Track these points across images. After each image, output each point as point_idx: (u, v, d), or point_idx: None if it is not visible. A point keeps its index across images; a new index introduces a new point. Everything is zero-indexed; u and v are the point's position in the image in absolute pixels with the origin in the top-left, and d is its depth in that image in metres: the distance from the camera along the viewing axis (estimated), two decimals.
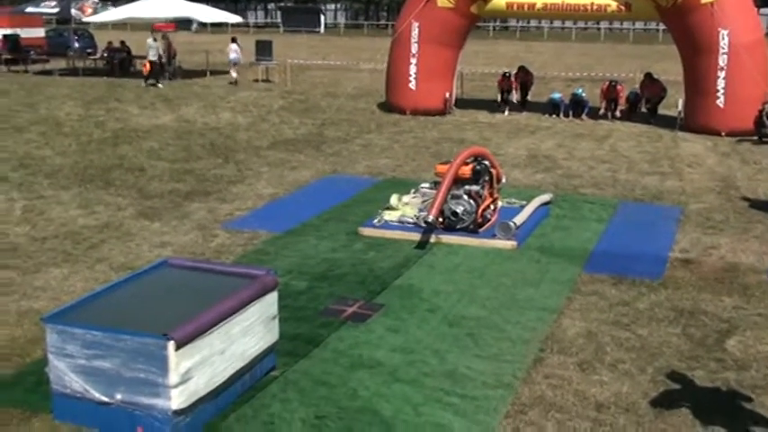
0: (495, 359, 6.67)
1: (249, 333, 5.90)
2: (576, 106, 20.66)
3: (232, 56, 27.87)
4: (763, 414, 5.89)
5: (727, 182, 13.39)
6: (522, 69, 22.27)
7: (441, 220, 9.94)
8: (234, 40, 28.62)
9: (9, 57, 31.01)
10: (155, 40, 26.71)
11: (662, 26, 32.21)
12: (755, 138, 16.87)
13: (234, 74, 27.45)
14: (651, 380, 6.36)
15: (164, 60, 27.11)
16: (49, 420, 5.55)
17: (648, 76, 20.86)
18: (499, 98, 21.40)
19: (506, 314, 7.64)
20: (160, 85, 25.70)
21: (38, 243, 9.66)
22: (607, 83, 20.75)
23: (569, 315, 7.65)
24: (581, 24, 58.82)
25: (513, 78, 21.48)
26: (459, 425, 5.64)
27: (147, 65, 26.21)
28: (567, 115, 20.48)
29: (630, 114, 20.30)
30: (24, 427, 5.51)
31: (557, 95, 21.07)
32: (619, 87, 20.44)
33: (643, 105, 20.52)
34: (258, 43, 29.31)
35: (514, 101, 21.50)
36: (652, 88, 20.39)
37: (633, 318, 7.60)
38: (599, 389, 6.20)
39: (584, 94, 20.72)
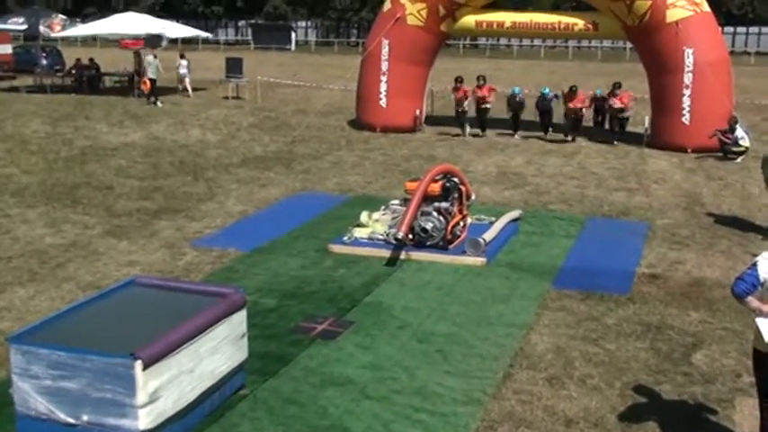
0: (465, 375, 6.69)
1: (218, 352, 5.86)
2: (544, 115, 20.03)
3: (182, 71, 28.53)
4: (729, 427, 5.96)
5: (693, 198, 13.58)
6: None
7: (410, 236, 9.97)
8: (182, 56, 28.89)
9: None
10: (155, 57, 26.27)
11: (629, 44, 32.67)
12: (720, 154, 17.13)
13: (188, 87, 28.12)
14: (619, 394, 6.41)
15: (156, 77, 26.54)
16: None
17: (617, 86, 19.78)
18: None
19: (476, 330, 7.67)
20: (159, 104, 25.39)
21: (3, 262, 9.53)
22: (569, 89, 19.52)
23: (538, 331, 7.70)
24: (549, 42, 59.41)
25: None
26: None
27: (147, 83, 25.90)
28: (545, 130, 19.96)
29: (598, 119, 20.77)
30: None
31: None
32: (580, 93, 19.45)
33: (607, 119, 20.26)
34: (228, 60, 29.26)
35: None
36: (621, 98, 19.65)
37: (601, 333, 7.66)
38: (568, 404, 6.23)
39: (550, 94, 19.90)
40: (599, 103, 20.48)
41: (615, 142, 19.04)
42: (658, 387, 6.55)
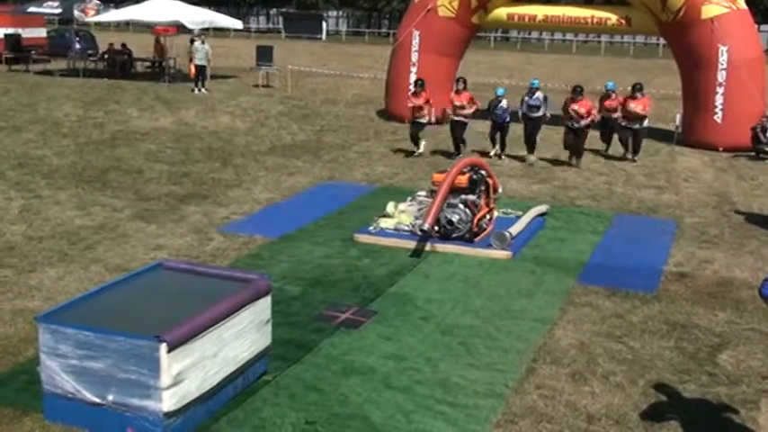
0: (488, 368, 6.68)
1: (242, 337, 5.90)
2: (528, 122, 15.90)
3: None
4: (753, 429, 5.90)
5: (723, 197, 13.43)
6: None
7: (436, 228, 9.96)
8: (194, 41, 28.27)
9: (10, 56, 31.00)
10: (202, 42, 26.07)
11: (662, 41, 32.37)
12: (752, 154, 16.91)
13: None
14: (642, 392, 6.37)
15: (207, 64, 26.05)
16: (40, 420, 5.55)
17: (638, 88, 16.18)
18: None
19: (500, 324, 7.65)
20: (205, 90, 25.46)
21: (34, 242, 9.66)
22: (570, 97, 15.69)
23: (562, 326, 7.67)
24: (582, 37, 58.99)
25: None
26: None
27: (193, 69, 25.90)
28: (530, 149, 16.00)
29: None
30: (15, 426, 5.51)
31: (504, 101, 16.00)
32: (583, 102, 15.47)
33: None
34: (259, 48, 29.36)
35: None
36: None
37: (626, 330, 7.61)
38: (590, 400, 6.21)
39: (539, 97, 15.84)
40: (607, 110, 16.26)
41: (635, 158, 16.11)
42: (682, 386, 6.50)
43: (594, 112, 15.50)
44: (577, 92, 15.34)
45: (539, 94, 15.90)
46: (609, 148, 16.92)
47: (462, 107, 15.92)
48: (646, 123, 16.25)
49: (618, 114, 16.11)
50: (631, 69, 39.79)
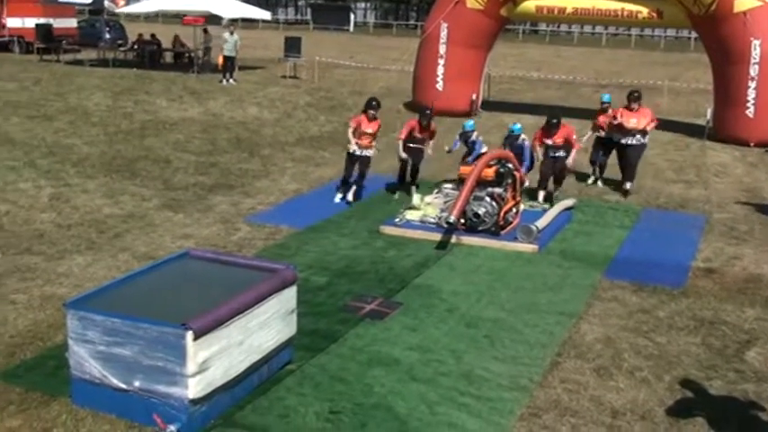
0: (512, 362, 6.67)
1: (267, 326, 5.94)
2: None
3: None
4: None
5: (754, 192, 13.25)
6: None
7: (462, 221, 9.94)
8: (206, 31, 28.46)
9: (41, 46, 31.33)
10: (231, 33, 26.07)
11: (694, 34, 31.97)
12: None
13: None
14: (668, 388, 6.32)
15: (235, 55, 26.02)
16: (68, 405, 5.63)
17: (634, 98, 12.92)
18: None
19: (525, 317, 7.62)
20: (233, 81, 25.57)
21: (63, 230, 9.77)
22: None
23: (588, 320, 7.62)
24: (612, 30, 58.38)
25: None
26: (473, 425, 5.64)
27: (222, 59, 25.99)
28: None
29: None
30: (44, 411, 5.59)
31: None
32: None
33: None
34: (287, 39, 29.41)
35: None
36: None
37: (653, 325, 7.55)
38: (615, 395, 6.17)
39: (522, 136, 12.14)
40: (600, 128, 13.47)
41: (629, 185, 12.80)
42: (709, 383, 6.44)
43: (574, 138, 12.15)
44: (552, 125, 11.84)
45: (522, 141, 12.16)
46: (601, 174, 13.56)
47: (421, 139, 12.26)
48: (644, 140, 12.91)
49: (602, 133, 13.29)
50: (662, 63, 39.39)
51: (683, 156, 16.30)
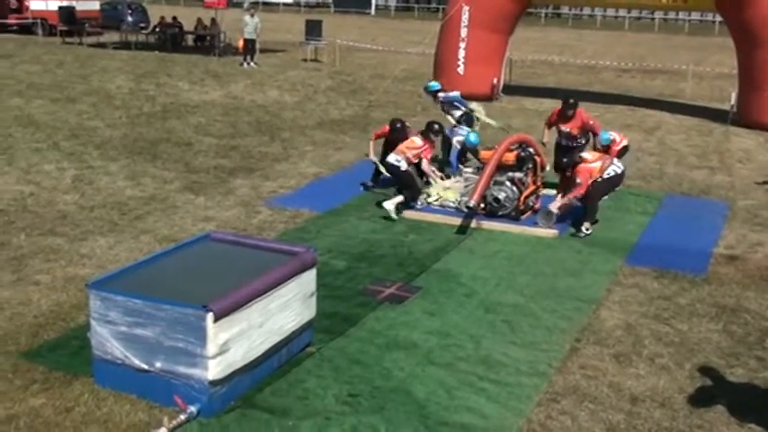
0: (531, 347, 6.66)
1: (287, 308, 5.96)
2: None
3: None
4: None
5: None
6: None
7: (482, 205, 9.91)
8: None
9: (64, 28, 31.50)
10: (252, 16, 26.09)
11: (718, 17, 31.59)
12: None
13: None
14: (689, 375, 6.29)
15: (257, 38, 26.01)
16: (90, 384, 5.69)
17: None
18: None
19: (544, 303, 7.61)
20: (254, 64, 25.58)
21: (86, 212, 9.85)
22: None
23: (608, 306, 7.59)
24: (635, 13, 57.80)
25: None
26: (491, 410, 5.65)
27: (242, 42, 25.99)
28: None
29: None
30: (66, 390, 5.66)
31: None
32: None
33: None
34: (308, 23, 29.37)
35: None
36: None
37: (674, 312, 7.51)
38: (634, 382, 6.15)
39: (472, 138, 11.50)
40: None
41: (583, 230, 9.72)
42: (730, 371, 6.40)
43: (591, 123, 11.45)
44: (568, 106, 11.24)
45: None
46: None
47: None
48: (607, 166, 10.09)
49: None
50: (686, 47, 38.95)
51: (707, 141, 16.14)
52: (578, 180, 9.73)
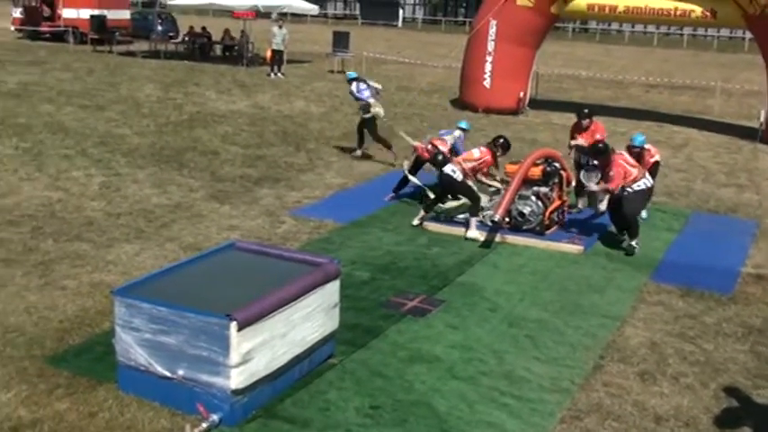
0: (554, 363, 6.61)
1: (310, 319, 5.97)
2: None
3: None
4: None
5: None
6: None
7: (507, 219, 9.88)
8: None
9: (95, 37, 31.90)
10: (280, 27, 26.29)
11: (748, 34, 31.30)
12: None
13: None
14: (714, 395, 6.21)
15: (284, 49, 26.19)
16: (114, 390, 5.73)
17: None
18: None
19: (568, 319, 7.56)
20: (281, 75, 25.74)
21: (112, 218, 9.94)
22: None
23: (633, 324, 7.53)
24: (663, 29, 57.40)
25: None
26: (513, 426, 5.61)
27: (270, 53, 26.16)
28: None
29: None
30: (90, 395, 5.70)
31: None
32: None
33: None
34: (336, 34, 29.51)
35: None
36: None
37: (699, 331, 7.42)
38: (659, 400, 6.08)
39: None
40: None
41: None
42: (756, 392, 6.31)
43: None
44: (581, 116, 11.47)
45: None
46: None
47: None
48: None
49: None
50: (715, 64, 38.67)
51: (735, 159, 15.98)
52: (612, 173, 9.38)
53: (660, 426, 5.74)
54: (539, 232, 9.88)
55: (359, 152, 14.24)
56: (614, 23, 58.95)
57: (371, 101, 13.77)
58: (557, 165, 10.39)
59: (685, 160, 15.65)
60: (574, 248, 9.57)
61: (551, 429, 5.60)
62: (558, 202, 10.27)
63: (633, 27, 59.68)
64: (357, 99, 13.99)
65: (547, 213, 9.95)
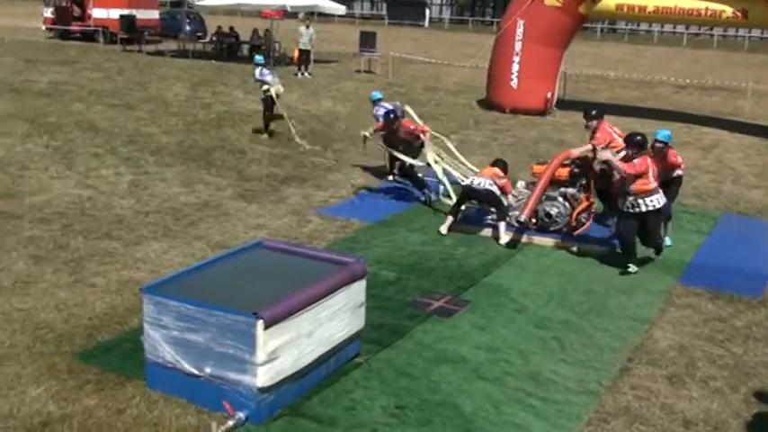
0: (581, 365, 6.57)
1: (336, 318, 5.98)
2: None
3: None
4: None
5: None
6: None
7: (534, 220, 9.83)
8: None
9: (125, 36, 32.20)
10: (307, 27, 26.36)
11: None
12: None
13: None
14: (744, 400, 6.14)
15: (311, 48, 26.32)
16: (142, 387, 5.78)
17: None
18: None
19: (595, 320, 7.50)
20: (308, 75, 25.84)
21: (141, 216, 10.03)
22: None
23: (661, 327, 7.46)
24: (693, 30, 56.81)
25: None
26: (539, 428, 5.59)
27: (297, 52, 26.26)
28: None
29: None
30: (119, 392, 5.75)
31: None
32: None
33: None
34: (363, 34, 29.53)
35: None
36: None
37: (729, 335, 7.34)
38: (687, 404, 6.03)
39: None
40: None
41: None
42: None
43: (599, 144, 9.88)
44: (587, 116, 10.40)
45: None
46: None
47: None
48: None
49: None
50: (745, 64, 38.19)
51: (765, 161, 15.77)
52: (636, 161, 8.52)
53: (689, 430, 5.68)
54: (566, 233, 9.82)
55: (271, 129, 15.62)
56: (643, 24, 58.46)
57: (271, 81, 15.40)
58: (584, 165, 10.32)
59: (715, 162, 15.47)
60: (601, 250, 9.49)
61: None
62: (585, 204, 10.19)
63: (662, 27, 59.12)
64: (260, 81, 15.48)
65: (574, 214, 9.89)
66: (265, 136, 15.46)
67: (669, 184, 9.50)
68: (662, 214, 8.98)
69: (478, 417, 5.68)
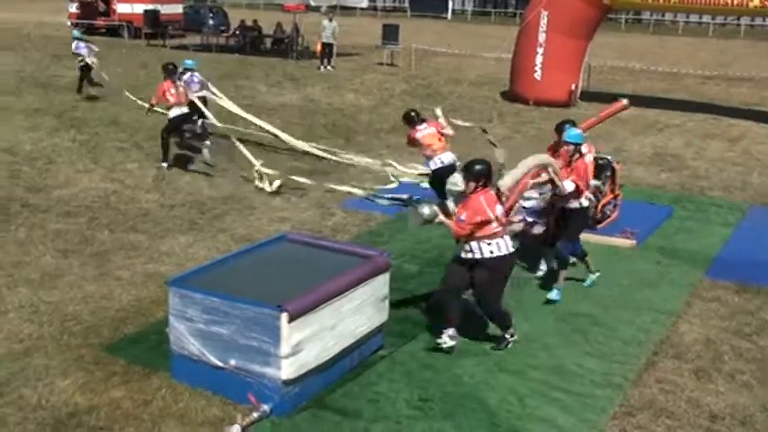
0: (606, 358, 6.54)
1: (360, 311, 6.00)
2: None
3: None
4: None
5: None
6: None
7: None
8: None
9: (148, 31, 32.37)
10: (330, 20, 26.37)
11: None
12: None
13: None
14: None
15: (334, 41, 26.22)
16: (168, 379, 5.84)
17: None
18: None
19: (620, 314, 7.46)
20: (331, 68, 25.88)
21: (166, 210, 10.10)
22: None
23: (688, 320, 7.40)
24: (719, 20, 56.07)
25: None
26: (565, 421, 5.57)
27: (320, 46, 26.30)
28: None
29: None
30: (145, 383, 5.81)
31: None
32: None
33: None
34: (385, 27, 29.47)
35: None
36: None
37: (756, 328, 7.26)
38: (714, 398, 5.98)
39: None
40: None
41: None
42: None
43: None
44: (559, 130, 8.66)
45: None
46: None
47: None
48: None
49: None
50: None
51: None
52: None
53: (715, 424, 5.64)
54: (590, 226, 9.74)
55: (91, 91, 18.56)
56: (668, 14, 57.83)
57: (85, 53, 18.27)
58: (609, 158, 10.24)
59: (741, 153, 15.29)
60: (626, 243, 9.43)
61: (603, 425, 5.55)
62: (610, 196, 10.12)
63: (688, 17, 58.40)
64: (76, 54, 18.38)
65: (599, 207, 9.82)
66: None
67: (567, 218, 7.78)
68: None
69: (502, 409, 5.67)
